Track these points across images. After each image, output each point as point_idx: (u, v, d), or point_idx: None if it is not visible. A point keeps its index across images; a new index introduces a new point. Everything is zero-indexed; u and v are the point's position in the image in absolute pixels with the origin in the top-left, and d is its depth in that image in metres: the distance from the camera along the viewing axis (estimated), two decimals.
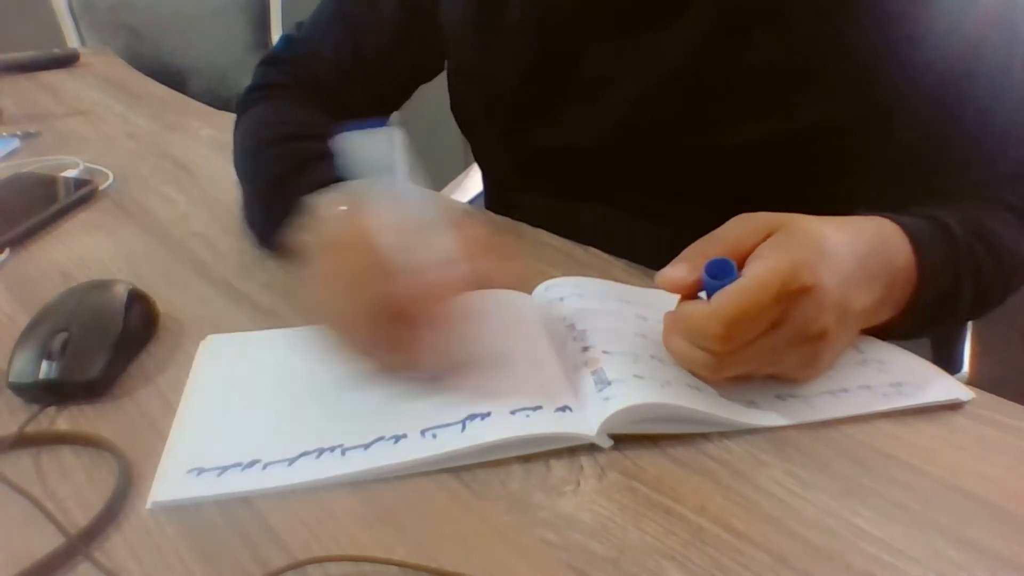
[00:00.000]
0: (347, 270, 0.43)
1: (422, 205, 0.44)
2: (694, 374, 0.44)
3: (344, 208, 0.46)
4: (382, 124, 0.44)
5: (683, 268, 0.44)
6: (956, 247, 0.52)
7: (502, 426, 0.41)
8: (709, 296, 0.42)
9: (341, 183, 0.54)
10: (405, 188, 0.44)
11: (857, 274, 0.45)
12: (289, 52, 0.75)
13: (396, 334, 0.43)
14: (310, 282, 0.46)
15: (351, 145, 0.44)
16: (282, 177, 0.59)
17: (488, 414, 0.42)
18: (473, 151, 0.80)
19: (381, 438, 0.42)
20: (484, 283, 0.44)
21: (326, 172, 0.55)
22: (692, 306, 0.43)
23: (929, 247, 0.50)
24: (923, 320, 0.51)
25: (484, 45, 0.67)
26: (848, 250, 0.45)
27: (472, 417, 0.42)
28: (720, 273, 0.42)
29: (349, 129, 0.44)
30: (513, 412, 0.42)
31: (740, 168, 0.62)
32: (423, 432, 0.42)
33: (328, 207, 0.52)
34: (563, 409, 0.43)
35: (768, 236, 0.44)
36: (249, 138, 0.68)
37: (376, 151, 0.44)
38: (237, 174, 0.68)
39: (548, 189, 0.72)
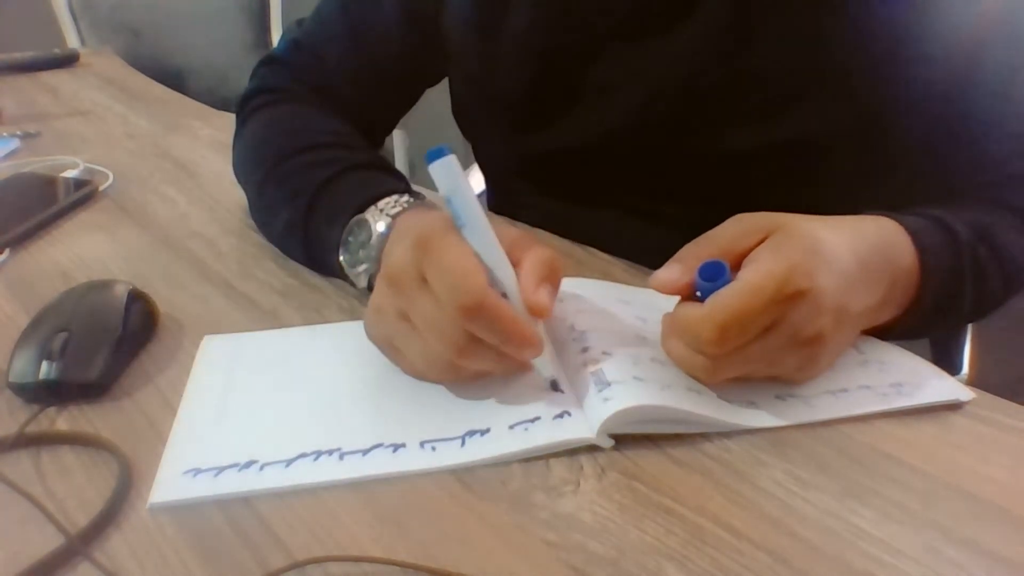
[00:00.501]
0: (421, 308, 0.42)
1: (485, 234, 0.44)
2: (691, 376, 0.44)
3: (416, 237, 0.44)
4: (443, 152, 0.43)
5: (676, 269, 0.44)
6: (959, 248, 0.51)
7: (501, 442, 0.42)
8: (704, 298, 0.42)
9: (390, 198, 0.54)
10: (475, 216, 0.43)
11: (857, 275, 0.45)
12: (293, 55, 0.74)
13: (476, 362, 0.43)
14: (376, 313, 0.46)
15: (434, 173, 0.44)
16: (320, 187, 0.58)
17: (487, 430, 0.42)
18: (475, 154, 0.80)
19: (380, 445, 0.42)
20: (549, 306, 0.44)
21: (372, 184, 0.53)
22: (687, 309, 0.43)
23: (932, 248, 0.50)
24: (924, 321, 0.51)
25: (488, 50, 0.66)
26: (848, 251, 0.45)
27: (471, 433, 0.42)
28: (713, 275, 0.42)
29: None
30: (512, 427, 0.42)
31: (744, 172, 0.62)
32: (422, 444, 0.42)
33: (385, 228, 0.52)
34: (561, 415, 0.43)
35: (764, 237, 0.44)
36: (270, 144, 0.67)
37: (447, 178, 0.43)
38: (249, 178, 0.67)
39: (551, 192, 0.72)
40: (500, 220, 0.48)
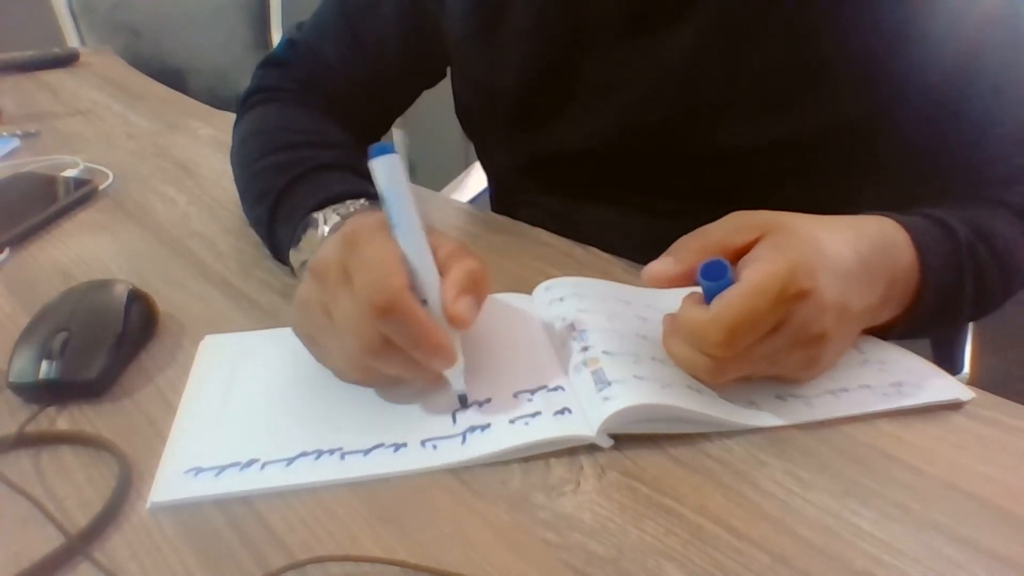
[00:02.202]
0: (340, 305, 0.42)
1: (415, 237, 0.43)
2: (694, 377, 0.44)
3: (345, 233, 0.45)
4: (387, 150, 0.43)
5: (668, 262, 0.44)
6: (958, 247, 0.51)
7: (502, 437, 0.42)
8: (707, 298, 0.42)
9: (347, 200, 0.54)
10: (405, 218, 0.43)
11: (857, 274, 0.45)
12: (291, 55, 0.74)
13: (388, 365, 0.43)
14: (301, 306, 0.46)
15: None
16: (284, 188, 0.59)
17: (488, 426, 0.42)
18: (477, 152, 0.80)
19: (381, 445, 0.42)
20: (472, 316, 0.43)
21: (333, 185, 0.54)
22: (693, 311, 0.42)
23: (931, 247, 0.50)
24: (924, 320, 0.51)
25: (488, 50, 0.67)
26: (849, 250, 0.45)
27: (472, 429, 0.42)
28: (715, 275, 0.42)
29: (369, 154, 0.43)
30: (512, 421, 0.42)
31: (743, 170, 0.62)
32: (423, 442, 0.42)
33: (331, 229, 0.52)
34: (562, 412, 0.43)
35: (760, 235, 0.44)
36: (250, 143, 0.68)
37: (382, 178, 0.43)
38: (236, 177, 0.68)
39: (552, 190, 0.72)
40: (442, 230, 0.47)
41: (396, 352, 0.41)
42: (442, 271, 0.44)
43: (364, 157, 0.57)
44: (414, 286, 0.42)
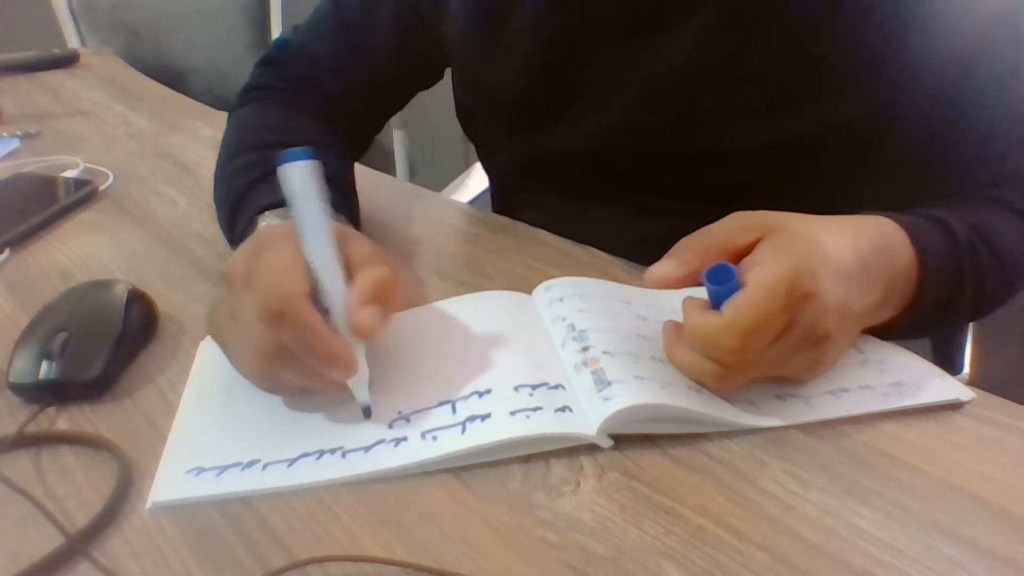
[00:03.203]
0: (242, 309, 0.42)
1: (321, 245, 0.42)
2: (701, 385, 0.44)
3: (255, 238, 0.45)
4: (300, 156, 0.42)
5: (670, 264, 0.44)
6: (958, 247, 0.51)
7: (502, 427, 0.41)
8: (713, 302, 0.42)
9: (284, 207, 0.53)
10: (311, 225, 0.42)
11: (858, 274, 0.45)
12: (284, 55, 0.74)
13: (287, 373, 0.42)
14: (212, 310, 0.46)
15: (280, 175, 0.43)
16: (242, 191, 0.58)
17: (488, 415, 0.42)
18: (478, 153, 0.80)
19: (381, 441, 0.42)
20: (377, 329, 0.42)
21: (276, 191, 0.54)
22: (703, 318, 0.42)
23: (931, 247, 0.50)
24: (924, 320, 0.51)
25: (489, 52, 0.67)
26: (849, 251, 0.45)
27: (472, 419, 0.42)
28: (721, 279, 0.42)
29: (281, 158, 0.43)
30: (513, 413, 0.42)
31: (745, 170, 0.62)
32: (423, 434, 0.42)
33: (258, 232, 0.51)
34: (563, 409, 0.43)
35: (760, 236, 0.44)
36: (227, 143, 0.67)
37: (291, 183, 0.42)
38: (213, 179, 0.67)
39: (553, 191, 0.72)
40: (362, 238, 0.47)
41: (292, 360, 0.41)
42: (353, 279, 0.43)
43: (346, 158, 0.57)
44: (317, 294, 0.42)
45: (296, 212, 0.43)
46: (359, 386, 0.43)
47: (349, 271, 0.44)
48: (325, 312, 0.42)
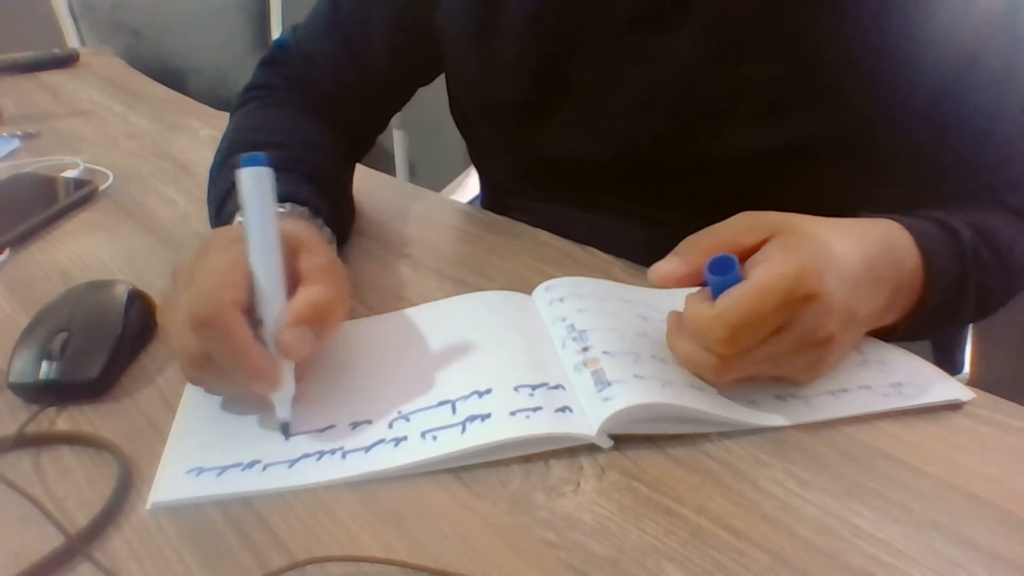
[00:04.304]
0: (177, 309, 0.42)
1: (266, 255, 0.42)
2: (697, 375, 0.44)
3: (205, 240, 0.45)
4: (257, 161, 0.42)
5: (675, 262, 0.44)
6: (962, 250, 0.51)
7: (502, 427, 0.41)
8: (714, 293, 0.42)
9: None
10: (256, 233, 0.42)
11: (864, 278, 0.45)
12: (284, 54, 0.74)
13: (211, 378, 0.43)
14: (161, 307, 0.46)
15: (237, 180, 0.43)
16: (228, 189, 0.58)
17: (488, 415, 0.42)
18: (471, 154, 0.80)
19: (381, 440, 0.42)
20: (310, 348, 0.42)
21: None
22: (698, 308, 0.42)
23: (936, 250, 0.50)
24: (928, 322, 0.51)
25: (483, 51, 0.66)
26: (856, 254, 0.45)
27: (472, 419, 0.42)
28: (722, 270, 0.42)
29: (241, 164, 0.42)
30: (513, 413, 0.42)
31: (739, 175, 0.62)
32: (423, 434, 0.42)
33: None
34: (563, 410, 0.43)
35: (768, 236, 0.44)
36: (222, 145, 0.67)
37: (243, 189, 0.42)
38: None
39: (545, 194, 0.72)
40: (320, 249, 0.46)
41: (214, 367, 0.41)
42: (294, 295, 0.43)
43: (343, 158, 0.55)
44: (256, 306, 0.42)
45: (245, 219, 0.42)
46: (281, 401, 0.43)
47: (296, 283, 0.44)
48: (260, 323, 0.42)
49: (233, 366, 0.40)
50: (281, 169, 0.58)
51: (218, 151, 0.66)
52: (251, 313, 0.42)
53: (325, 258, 0.46)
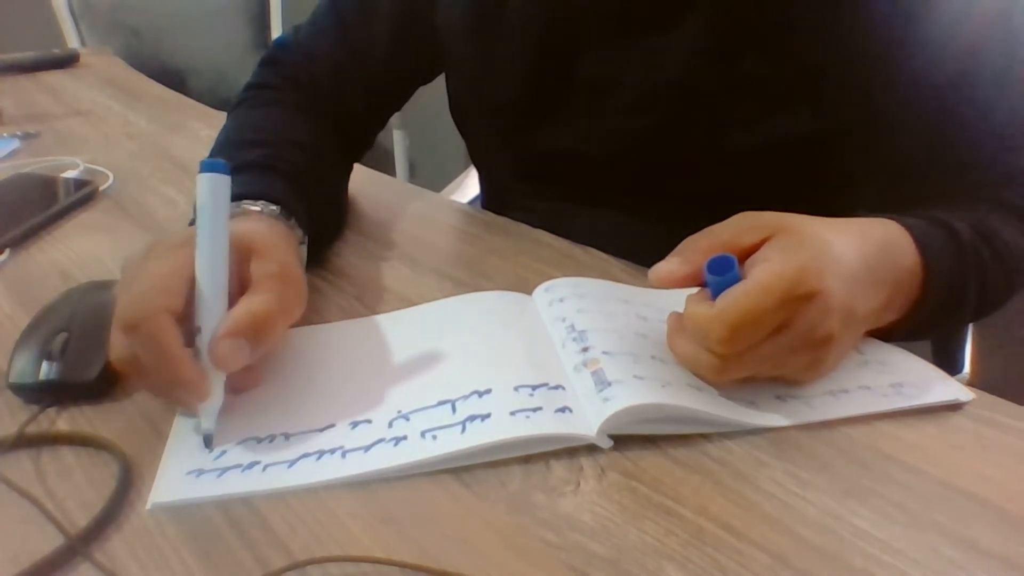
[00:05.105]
0: (115, 307, 0.42)
1: (212, 262, 0.42)
2: (697, 375, 0.44)
3: (155, 240, 0.45)
4: (216, 168, 0.42)
5: (675, 262, 0.44)
6: (962, 249, 0.51)
7: (502, 427, 0.41)
8: (713, 293, 0.42)
9: (244, 201, 0.52)
10: (205, 240, 0.42)
11: (863, 277, 0.45)
12: (284, 54, 0.74)
13: (139, 380, 0.43)
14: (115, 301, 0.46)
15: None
16: None
17: (488, 415, 0.42)
18: (471, 153, 0.80)
19: (381, 440, 0.42)
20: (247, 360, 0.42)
21: (235, 186, 0.50)
22: (697, 307, 0.43)
23: (935, 250, 0.50)
24: (927, 322, 0.51)
25: (482, 50, 0.66)
26: (855, 254, 0.45)
27: (472, 418, 0.42)
28: (721, 269, 0.42)
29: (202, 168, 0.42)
30: (513, 413, 0.42)
31: (740, 173, 0.62)
32: (423, 433, 0.42)
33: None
34: (563, 410, 0.43)
35: (768, 236, 0.44)
36: (216, 143, 0.67)
37: (199, 194, 0.42)
38: None
39: (546, 193, 0.72)
40: (274, 257, 0.46)
41: (142, 370, 0.41)
42: (235, 304, 0.43)
43: (337, 158, 0.53)
44: (194, 311, 0.42)
45: (197, 223, 0.42)
46: (207, 412, 0.42)
47: (246, 289, 0.43)
48: (198, 331, 0.42)
49: (159, 373, 0.40)
50: (262, 167, 0.58)
51: (211, 150, 0.66)
52: (189, 320, 0.42)
53: (277, 264, 0.45)
